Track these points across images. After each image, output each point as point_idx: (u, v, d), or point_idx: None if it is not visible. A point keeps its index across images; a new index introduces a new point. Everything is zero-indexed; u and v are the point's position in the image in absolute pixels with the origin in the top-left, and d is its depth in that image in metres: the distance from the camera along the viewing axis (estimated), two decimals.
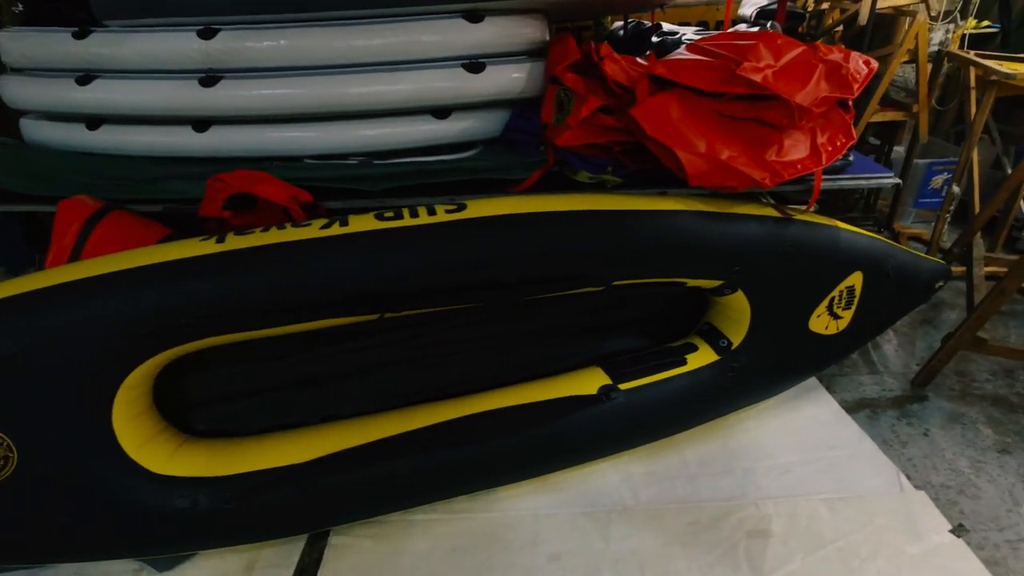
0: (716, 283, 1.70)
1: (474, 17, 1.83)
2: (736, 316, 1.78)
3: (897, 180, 1.80)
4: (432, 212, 1.47)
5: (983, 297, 2.20)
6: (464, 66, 1.84)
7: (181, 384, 1.52)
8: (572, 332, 1.83)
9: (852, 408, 1.98)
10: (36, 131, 2.04)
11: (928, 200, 3.84)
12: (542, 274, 1.51)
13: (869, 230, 1.89)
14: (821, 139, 1.68)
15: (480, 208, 1.50)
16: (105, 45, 1.86)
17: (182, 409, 1.52)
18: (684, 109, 1.65)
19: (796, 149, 1.66)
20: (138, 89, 1.86)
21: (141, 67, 1.87)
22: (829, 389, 2.06)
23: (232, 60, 1.82)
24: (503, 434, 1.59)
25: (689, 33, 2.35)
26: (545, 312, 1.80)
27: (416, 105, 1.87)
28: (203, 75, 1.83)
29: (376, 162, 1.91)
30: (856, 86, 1.68)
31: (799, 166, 1.63)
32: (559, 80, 1.79)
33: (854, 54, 1.73)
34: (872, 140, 3.84)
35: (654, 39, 2.30)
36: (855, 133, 1.69)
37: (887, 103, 3.35)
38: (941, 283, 2.04)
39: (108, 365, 1.28)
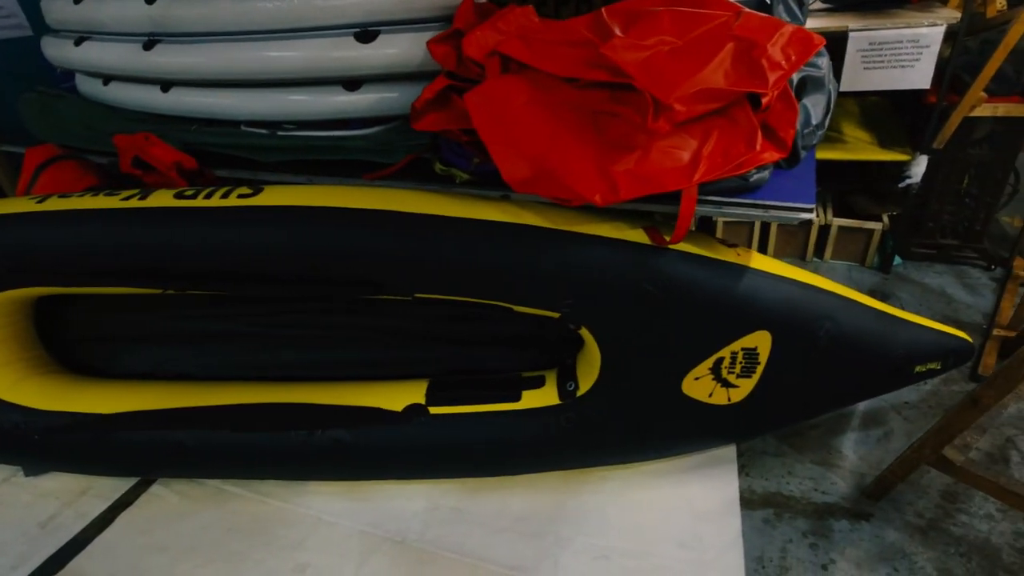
0: (552, 315, 1.39)
1: None
2: (590, 359, 1.45)
3: (809, 215, 1.23)
4: (226, 196, 1.42)
5: (954, 407, 1.43)
6: (355, 35, 1.70)
7: (52, 322, 1.72)
8: (415, 338, 1.66)
9: (757, 502, 1.47)
10: (79, 83, 2.41)
11: None
12: (321, 274, 1.38)
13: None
14: (709, 148, 1.23)
15: (274, 196, 1.41)
16: (89, 11, 2.09)
17: (53, 343, 1.74)
18: (533, 96, 1.34)
19: (670, 157, 1.24)
20: (102, 50, 2.07)
21: (112, 30, 2.08)
22: (747, 469, 1.58)
23: (168, 25, 1.92)
24: (298, 429, 1.53)
25: None
26: (390, 312, 1.65)
27: (307, 76, 1.78)
28: (147, 39, 1.96)
29: (280, 133, 1.89)
30: (774, 76, 1.19)
31: (655, 182, 1.22)
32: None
33: (787, 27, 1.22)
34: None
35: None
36: (759, 142, 1.20)
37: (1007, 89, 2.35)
38: (933, 365, 1.41)
39: None
